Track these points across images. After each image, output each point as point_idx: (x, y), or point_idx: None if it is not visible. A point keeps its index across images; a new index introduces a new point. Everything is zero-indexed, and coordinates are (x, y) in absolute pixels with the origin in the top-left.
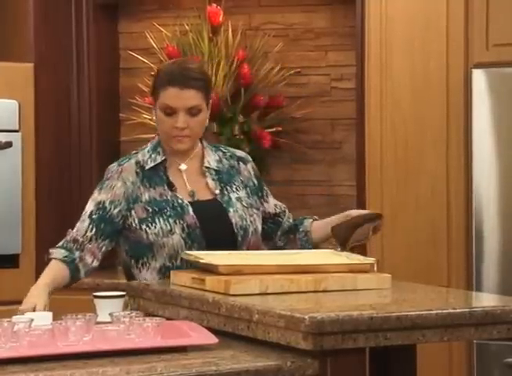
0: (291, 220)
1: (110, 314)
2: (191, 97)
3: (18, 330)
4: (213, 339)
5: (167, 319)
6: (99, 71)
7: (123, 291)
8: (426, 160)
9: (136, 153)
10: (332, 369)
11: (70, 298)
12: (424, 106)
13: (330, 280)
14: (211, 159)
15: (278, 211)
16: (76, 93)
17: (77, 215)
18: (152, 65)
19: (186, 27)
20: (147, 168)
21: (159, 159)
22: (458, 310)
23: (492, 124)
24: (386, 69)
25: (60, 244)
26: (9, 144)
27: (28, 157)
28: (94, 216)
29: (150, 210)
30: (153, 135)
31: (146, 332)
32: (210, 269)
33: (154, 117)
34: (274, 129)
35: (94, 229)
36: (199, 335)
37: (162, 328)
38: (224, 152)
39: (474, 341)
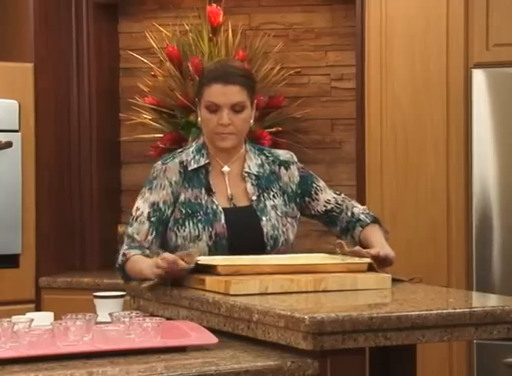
0: (349, 213)
1: (110, 314)
2: (235, 93)
3: (18, 330)
4: (213, 339)
5: (167, 319)
6: (99, 71)
7: (123, 290)
8: (426, 160)
9: (181, 152)
10: (332, 369)
11: (70, 298)
12: (424, 106)
13: (330, 280)
14: (252, 163)
15: (330, 206)
16: (76, 93)
17: (76, 215)
18: (152, 65)
19: (186, 27)
20: (190, 168)
21: (202, 162)
22: (458, 310)
23: (492, 124)
24: (386, 69)
25: (127, 246)
26: (9, 144)
27: (28, 157)
28: (153, 219)
29: (183, 211)
30: (160, 134)
31: (146, 332)
32: (208, 270)
33: (199, 118)
34: (274, 129)
35: (154, 233)
36: (199, 335)
37: (162, 328)
38: (267, 156)
39: (474, 341)
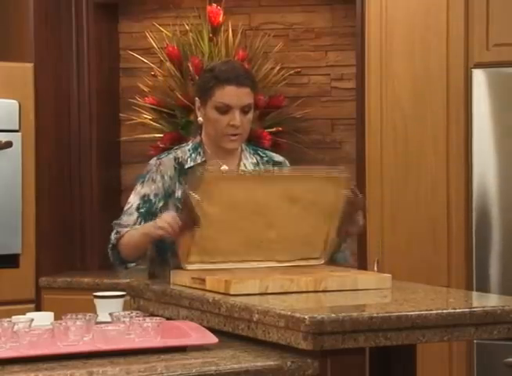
0: None
1: (110, 314)
2: (246, 95)
3: (18, 330)
4: (213, 339)
5: (167, 319)
6: (99, 71)
7: (123, 290)
8: (426, 160)
9: (177, 149)
10: (332, 369)
11: (70, 298)
12: (424, 106)
13: (330, 280)
14: (248, 162)
15: None
16: (76, 93)
17: (76, 215)
18: (152, 65)
19: (186, 27)
20: (186, 166)
21: (199, 160)
22: (458, 310)
23: (492, 124)
24: (386, 69)
25: (117, 229)
26: (9, 144)
27: (28, 157)
28: (141, 210)
29: (180, 207)
30: (160, 134)
31: (146, 332)
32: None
33: (199, 118)
34: (274, 129)
35: (142, 222)
36: (199, 335)
37: (162, 328)
38: (262, 156)
39: (474, 341)
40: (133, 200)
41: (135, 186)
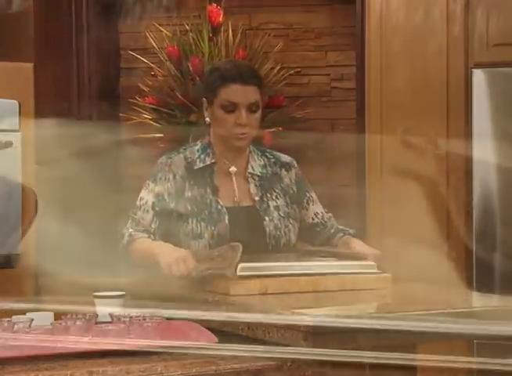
0: (332, 230)
1: (110, 314)
2: (252, 92)
3: (18, 330)
4: (213, 339)
5: (167, 319)
6: (99, 71)
7: (123, 290)
8: (426, 159)
9: (185, 149)
10: (332, 369)
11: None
12: (424, 106)
13: (330, 280)
14: (256, 164)
15: (316, 221)
16: (76, 93)
17: (76, 216)
18: (152, 65)
19: (186, 27)
20: (195, 168)
21: (208, 161)
22: (458, 310)
23: (492, 124)
24: (386, 69)
25: (132, 229)
26: (9, 144)
27: (28, 157)
28: (157, 208)
29: (189, 208)
30: (161, 135)
31: (146, 332)
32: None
33: (207, 119)
34: (274, 129)
35: (158, 222)
36: (199, 335)
37: (162, 328)
38: (269, 158)
39: (474, 341)
40: (147, 196)
41: (147, 183)
